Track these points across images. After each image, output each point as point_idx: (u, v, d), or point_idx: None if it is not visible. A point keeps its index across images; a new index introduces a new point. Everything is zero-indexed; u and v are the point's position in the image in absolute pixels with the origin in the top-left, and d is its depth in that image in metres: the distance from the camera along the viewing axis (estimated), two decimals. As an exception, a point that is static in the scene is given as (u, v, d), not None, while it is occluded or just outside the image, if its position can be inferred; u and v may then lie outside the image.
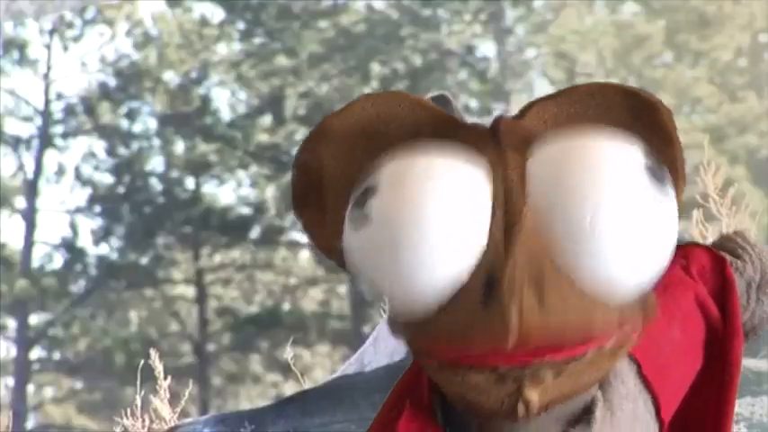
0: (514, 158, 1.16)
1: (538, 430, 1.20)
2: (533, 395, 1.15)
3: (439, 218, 1.11)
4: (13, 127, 16.71)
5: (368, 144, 1.24)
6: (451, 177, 1.13)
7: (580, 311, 1.12)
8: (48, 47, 16.70)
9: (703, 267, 1.34)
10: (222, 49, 16.63)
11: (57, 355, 16.89)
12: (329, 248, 1.27)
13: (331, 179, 1.25)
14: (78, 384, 16.85)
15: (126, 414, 5.28)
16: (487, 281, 1.12)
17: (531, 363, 1.13)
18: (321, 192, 1.26)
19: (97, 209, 16.67)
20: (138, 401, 5.26)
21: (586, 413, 1.23)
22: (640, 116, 1.19)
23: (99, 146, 16.68)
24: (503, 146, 1.16)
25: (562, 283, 1.12)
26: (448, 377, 1.18)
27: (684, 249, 1.31)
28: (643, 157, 1.17)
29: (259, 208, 16.40)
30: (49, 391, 16.77)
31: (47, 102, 16.65)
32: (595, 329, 1.14)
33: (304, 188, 1.29)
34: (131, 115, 16.60)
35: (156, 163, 17.01)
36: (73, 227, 16.59)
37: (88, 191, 16.62)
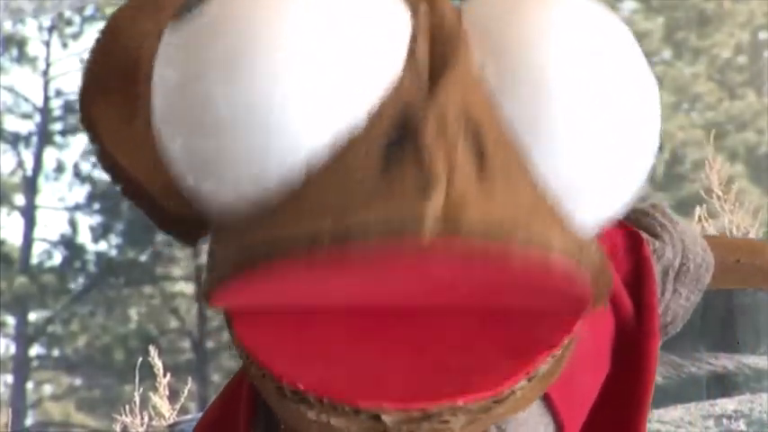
0: None
1: None
2: None
3: (328, 11, 0.69)
4: (12, 124, 16.72)
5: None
6: None
7: (533, 209, 0.69)
8: (47, 44, 16.71)
9: (615, 247, 1.01)
10: (221, 46, 16.62)
11: (56, 352, 16.90)
12: (130, 153, 0.81)
13: (151, 55, 0.79)
14: (77, 381, 16.86)
15: (125, 411, 5.28)
16: (399, 125, 0.67)
17: (432, 409, 0.71)
18: (133, 76, 0.81)
19: (96, 206, 16.67)
20: (137, 398, 5.26)
21: None
22: None
23: (98, 143, 16.69)
24: None
25: (512, 153, 0.70)
26: (291, 408, 0.74)
27: None
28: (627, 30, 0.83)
29: (258, 205, 16.39)
30: (48, 388, 16.78)
31: (46, 99, 16.66)
32: (554, 248, 0.69)
33: (108, 69, 0.84)
34: (130, 112, 16.59)
35: (155, 160, 17.01)
36: (72, 224, 16.60)
37: (87, 188, 16.62)
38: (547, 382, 0.77)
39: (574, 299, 0.72)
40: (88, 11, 16.72)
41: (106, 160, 0.85)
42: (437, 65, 0.69)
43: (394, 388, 0.69)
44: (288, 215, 0.66)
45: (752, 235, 5.74)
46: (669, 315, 1.10)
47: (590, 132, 0.73)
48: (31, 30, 16.68)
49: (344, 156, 0.66)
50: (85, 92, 0.85)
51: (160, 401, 5.14)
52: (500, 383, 0.72)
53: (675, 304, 1.09)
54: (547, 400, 0.91)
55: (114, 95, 0.82)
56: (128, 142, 0.80)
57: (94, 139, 0.84)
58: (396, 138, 0.67)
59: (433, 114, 0.66)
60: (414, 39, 0.71)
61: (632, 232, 1.05)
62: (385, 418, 0.70)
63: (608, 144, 0.75)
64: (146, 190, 0.80)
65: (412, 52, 0.71)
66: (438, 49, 0.70)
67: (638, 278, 1.01)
